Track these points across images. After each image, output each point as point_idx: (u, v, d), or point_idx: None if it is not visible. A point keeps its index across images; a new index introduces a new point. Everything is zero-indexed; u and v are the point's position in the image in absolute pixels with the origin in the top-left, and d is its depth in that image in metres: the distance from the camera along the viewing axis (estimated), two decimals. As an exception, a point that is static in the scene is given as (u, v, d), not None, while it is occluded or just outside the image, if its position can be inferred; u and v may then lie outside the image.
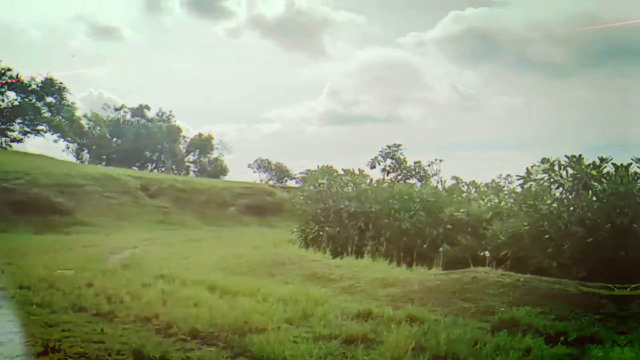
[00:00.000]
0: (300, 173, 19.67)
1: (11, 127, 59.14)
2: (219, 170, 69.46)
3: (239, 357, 6.26)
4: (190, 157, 72.00)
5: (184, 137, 70.21)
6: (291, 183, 57.89)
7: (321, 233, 17.12)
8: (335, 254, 16.11)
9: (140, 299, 9.03)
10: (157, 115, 70.36)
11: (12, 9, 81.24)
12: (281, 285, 11.59)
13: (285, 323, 7.96)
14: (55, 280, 10.53)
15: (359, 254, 15.80)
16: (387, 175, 18.29)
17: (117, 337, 6.52)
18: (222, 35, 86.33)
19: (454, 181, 20.43)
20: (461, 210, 16.83)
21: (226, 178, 65.76)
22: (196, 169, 71.34)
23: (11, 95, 58.81)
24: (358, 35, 75.84)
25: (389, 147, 18.41)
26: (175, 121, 70.59)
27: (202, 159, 71.43)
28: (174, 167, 67.67)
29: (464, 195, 18.69)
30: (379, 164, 18.65)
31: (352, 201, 16.88)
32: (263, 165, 64.43)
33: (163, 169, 66.62)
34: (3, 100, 58.31)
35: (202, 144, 70.10)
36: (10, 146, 58.09)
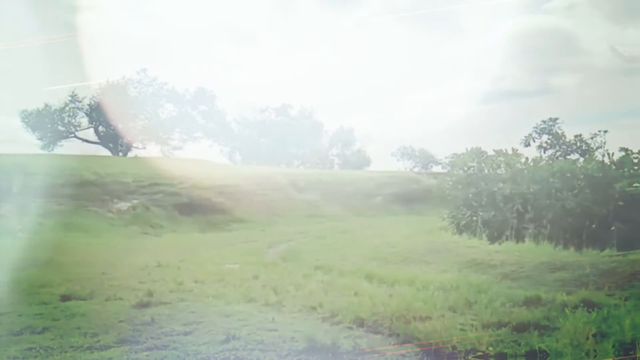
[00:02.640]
0: (446, 158, 18.99)
1: (171, 136, 65.54)
2: (362, 161, 70.28)
3: (406, 344, 6.19)
4: (334, 151, 73.77)
5: (326, 131, 72.18)
6: (437, 169, 56.65)
7: (474, 218, 16.41)
8: (492, 239, 15.36)
9: (303, 289, 9.40)
10: (299, 112, 73.13)
11: (161, 25, 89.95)
12: (439, 273, 11.35)
13: (449, 311, 7.76)
14: (224, 274, 11.31)
15: (519, 238, 14.89)
16: (544, 152, 16.89)
17: (288, 325, 6.82)
18: (355, 26, 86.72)
19: (622, 153, 18.34)
20: (635, 184, 15.12)
21: (369, 169, 66.38)
22: (340, 162, 72.94)
23: (169, 107, 65.26)
24: (499, 6, 71.47)
25: (544, 122, 16.98)
26: (316, 117, 72.85)
27: (344, 151, 72.82)
28: (318, 161, 69.86)
29: (636, 167, 16.72)
30: (534, 141, 17.31)
31: (507, 183, 15.91)
32: (406, 152, 63.84)
33: (308, 164, 69.13)
34: (163, 112, 64.87)
35: (344, 137, 71.41)
36: (173, 153, 64.41)
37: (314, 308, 7.85)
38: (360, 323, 7.06)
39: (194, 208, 33.44)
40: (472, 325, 6.95)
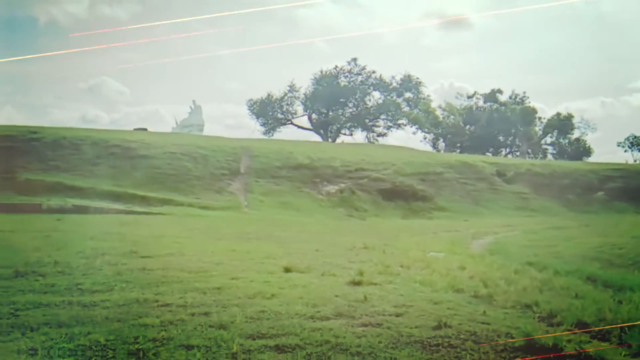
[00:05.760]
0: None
1: (377, 123, 67.91)
2: (581, 151, 63.96)
3: (640, 357, 5.50)
4: (548, 139, 68.34)
5: (539, 118, 67.26)
6: (676, 162, 48.86)
7: None
8: None
9: (516, 284, 8.92)
10: (510, 98, 69.20)
11: (370, 18, 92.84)
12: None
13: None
14: (429, 261, 11.29)
15: None
16: None
17: (501, 320, 6.54)
18: (579, 3, 78.46)
19: None
20: None
21: (590, 159, 60.20)
22: (554, 152, 67.33)
23: (376, 94, 67.64)
24: None
25: None
26: (529, 102, 68.31)
27: (560, 140, 66.99)
28: (529, 150, 65.40)
29: None
30: None
31: None
32: (636, 142, 56.23)
33: (517, 154, 65.16)
34: (370, 100, 67.41)
35: (561, 124, 65.65)
36: (377, 140, 66.60)
37: (528, 306, 7.40)
38: (583, 327, 6.45)
39: (397, 194, 34.08)
40: None
